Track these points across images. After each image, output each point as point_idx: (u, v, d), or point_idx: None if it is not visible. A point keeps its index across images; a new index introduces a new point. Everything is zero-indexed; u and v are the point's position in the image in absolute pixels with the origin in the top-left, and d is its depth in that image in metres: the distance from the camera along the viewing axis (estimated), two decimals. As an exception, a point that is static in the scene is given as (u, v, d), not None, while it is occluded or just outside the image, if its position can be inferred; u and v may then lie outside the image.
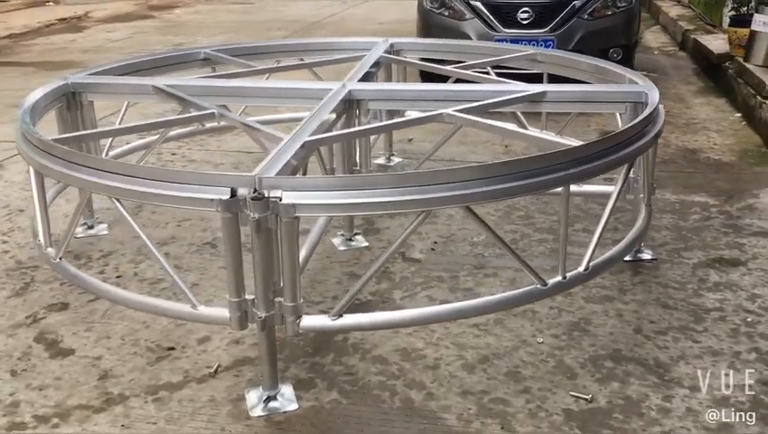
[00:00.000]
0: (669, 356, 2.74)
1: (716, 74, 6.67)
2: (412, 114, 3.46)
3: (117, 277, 3.40)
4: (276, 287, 2.38)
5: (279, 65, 4.13)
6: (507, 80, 3.52)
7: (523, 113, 3.59)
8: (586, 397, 2.51)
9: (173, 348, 2.84)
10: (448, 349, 2.81)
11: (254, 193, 2.24)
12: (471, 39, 6.25)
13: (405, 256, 3.54)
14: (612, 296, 3.15)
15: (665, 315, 3.01)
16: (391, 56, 4.19)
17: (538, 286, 2.57)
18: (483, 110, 3.16)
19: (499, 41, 6.21)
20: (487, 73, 4.01)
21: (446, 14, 6.33)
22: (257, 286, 2.35)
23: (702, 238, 3.70)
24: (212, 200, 2.26)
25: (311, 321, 2.42)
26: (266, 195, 2.23)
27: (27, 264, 3.53)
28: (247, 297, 2.39)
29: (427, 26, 6.50)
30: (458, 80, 4.04)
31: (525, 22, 6.08)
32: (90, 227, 3.86)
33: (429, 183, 2.27)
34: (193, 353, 2.81)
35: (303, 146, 2.60)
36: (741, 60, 6.01)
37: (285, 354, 2.76)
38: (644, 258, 3.47)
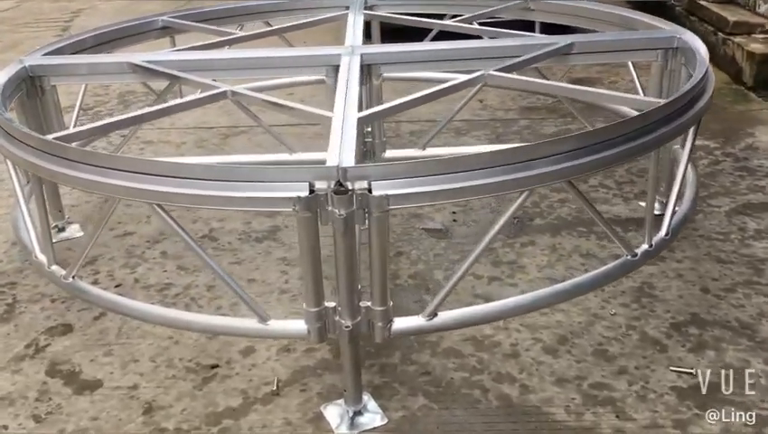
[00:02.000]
0: (750, 315, 2.62)
1: (660, 12, 6.61)
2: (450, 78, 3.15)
3: (117, 286, 2.98)
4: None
5: (260, 30, 3.68)
6: (522, 33, 3.26)
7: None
8: (690, 370, 2.35)
9: (216, 365, 2.48)
10: (520, 332, 2.59)
11: (336, 186, 1.92)
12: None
13: (428, 230, 3.28)
14: (662, 255, 3.00)
15: (724, 270, 2.89)
16: (380, 14, 3.85)
17: (629, 257, 2.37)
18: (518, 69, 2.90)
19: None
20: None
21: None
22: (341, 292, 2.03)
23: (721, 183, 3.61)
24: (290, 198, 1.91)
25: (403, 324, 2.13)
26: (352, 188, 1.91)
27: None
28: (327, 304, 2.08)
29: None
30: (441, 36, 3.78)
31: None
32: (62, 229, 3.38)
33: (530, 159, 2.01)
34: (242, 368, 2.46)
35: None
36: (691, -4, 5.98)
37: (346, 358, 2.46)
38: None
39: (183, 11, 3.95)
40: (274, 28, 3.68)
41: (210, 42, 3.38)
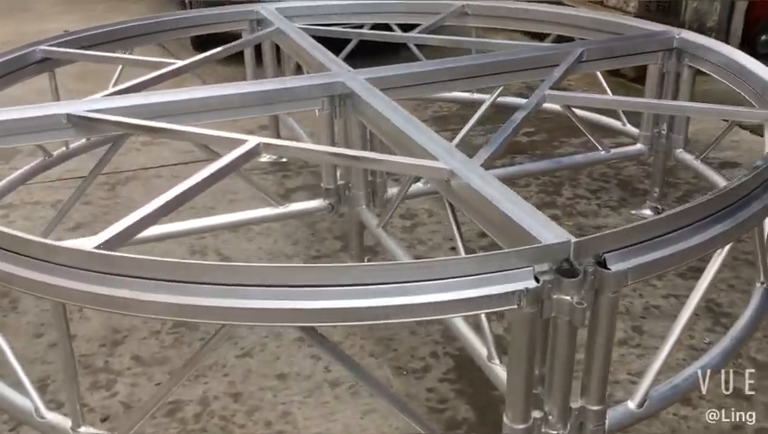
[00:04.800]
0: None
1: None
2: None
3: (103, 419, 2.19)
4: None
5: (203, 55, 2.92)
6: (515, 42, 2.95)
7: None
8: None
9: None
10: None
11: (566, 265, 1.47)
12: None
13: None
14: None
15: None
16: (317, 27, 3.29)
17: (766, 286, 2.15)
18: (560, 83, 2.58)
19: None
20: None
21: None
22: (554, 396, 1.57)
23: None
24: (514, 292, 1.42)
25: (616, 418, 1.71)
26: (583, 267, 1.47)
27: None
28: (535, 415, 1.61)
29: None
30: (363, 48, 3.41)
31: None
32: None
33: (732, 204, 1.71)
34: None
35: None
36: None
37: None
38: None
39: (59, 38, 3.10)
40: (211, 53, 2.94)
41: (147, 77, 2.64)
